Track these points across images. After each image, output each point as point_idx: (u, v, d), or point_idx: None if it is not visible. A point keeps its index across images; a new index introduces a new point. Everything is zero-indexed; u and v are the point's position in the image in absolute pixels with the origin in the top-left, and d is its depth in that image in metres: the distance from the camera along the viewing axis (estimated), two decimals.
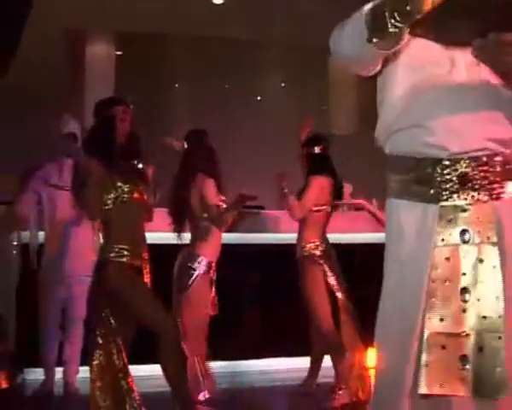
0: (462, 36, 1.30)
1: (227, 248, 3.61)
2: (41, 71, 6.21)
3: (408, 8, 1.22)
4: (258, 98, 7.71)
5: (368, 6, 1.33)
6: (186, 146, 3.50)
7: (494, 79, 1.44)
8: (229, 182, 3.61)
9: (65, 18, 6.07)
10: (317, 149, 3.72)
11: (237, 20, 6.37)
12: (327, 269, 3.60)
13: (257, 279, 4.51)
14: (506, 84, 1.41)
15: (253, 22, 6.41)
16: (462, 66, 1.43)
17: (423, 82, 1.44)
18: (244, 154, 6.62)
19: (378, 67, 1.48)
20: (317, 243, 3.64)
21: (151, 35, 6.72)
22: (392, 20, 1.25)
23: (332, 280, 3.59)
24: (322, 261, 3.59)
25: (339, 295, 3.60)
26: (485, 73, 1.43)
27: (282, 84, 7.74)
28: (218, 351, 3.76)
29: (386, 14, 1.26)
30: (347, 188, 4.78)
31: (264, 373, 4.43)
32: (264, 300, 4.48)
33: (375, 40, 1.31)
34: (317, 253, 3.62)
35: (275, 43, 6.94)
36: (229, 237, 3.82)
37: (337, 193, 3.88)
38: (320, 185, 3.65)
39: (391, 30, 1.27)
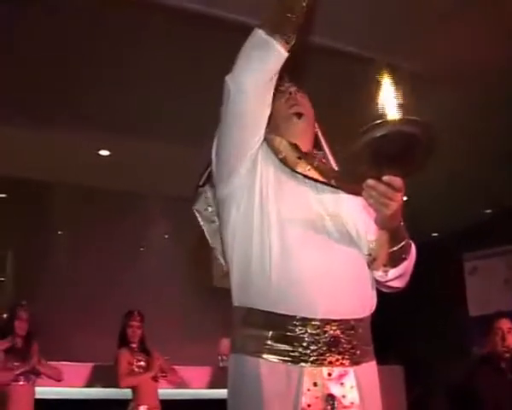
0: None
1: None
2: None
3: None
4: (141, 249, 7.66)
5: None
6: None
7: (358, 239, 1.48)
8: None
9: None
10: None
11: (122, 172, 6.47)
12: None
13: None
14: (380, 229, 1.42)
15: (138, 175, 6.53)
16: (331, 224, 1.45)
17: (292, 235, 1.42)
18: (124, 305, 6.43)
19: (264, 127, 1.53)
20: None
21: (37, 182, 6.62)
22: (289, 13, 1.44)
23: None
24: None
25: None
26: (351, 232, 1.47)
27: (166, 236, 7.77)
28: None
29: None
30: (225, 342, 5.04)
31: None
32: None
33: (277, 37, 1.43)
34: None
35: (159, 195, 7.06)
36: None
37: None
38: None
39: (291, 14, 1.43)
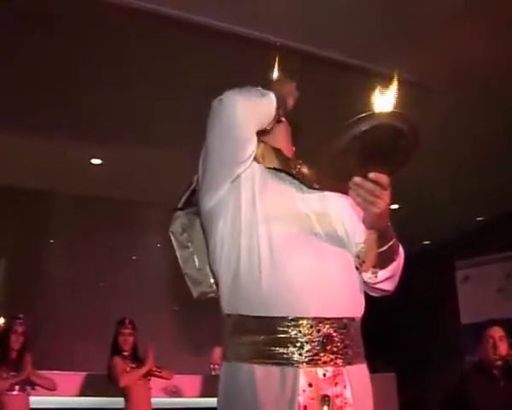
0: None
1: None
2: None
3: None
4: (134, 258, 7.65)
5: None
6: None
7: (347, 238, 1.49)
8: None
9: None
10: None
11: (114, 180, 6.46)
12: None
13: None
14: (368, 228, 1.40)
15: (131, 183, 6.52)
16: (318, 224, 1.46)
17: (279, 236, 1.43)
18: (117, 314, 6.41)
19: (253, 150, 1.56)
20: None
21: (30, 190, 6.59)
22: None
23: None
24: None
25: None
26: (338, 232, 1.48)
27: (158, 245, 7.76)
28: None
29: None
30: (218, 351, 5.04)
31: None
32: None
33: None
34: None
35: (152, 204, 7.04)
36: None
37: None
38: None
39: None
